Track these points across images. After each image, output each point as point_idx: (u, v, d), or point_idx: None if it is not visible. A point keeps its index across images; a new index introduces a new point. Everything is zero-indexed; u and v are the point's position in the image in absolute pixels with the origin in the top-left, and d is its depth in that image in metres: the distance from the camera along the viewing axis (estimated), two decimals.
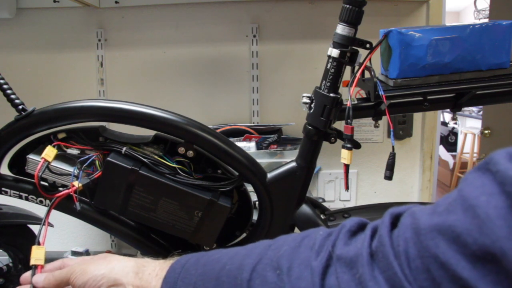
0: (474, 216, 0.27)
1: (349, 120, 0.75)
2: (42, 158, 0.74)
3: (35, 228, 0.92)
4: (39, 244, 0.66)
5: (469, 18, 4.64)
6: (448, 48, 0.74)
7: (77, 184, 0.75)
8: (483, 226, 0.26)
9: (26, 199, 0.82)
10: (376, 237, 0.34)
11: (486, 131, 1.53)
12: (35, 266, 0.61)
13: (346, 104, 0.76)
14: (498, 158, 0.27)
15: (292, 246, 0.38)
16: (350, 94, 0.75)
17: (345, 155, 0.75)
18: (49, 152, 0.75)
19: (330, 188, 1.57)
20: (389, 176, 0.79)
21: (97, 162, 0.78)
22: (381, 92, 0.74)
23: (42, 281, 0.54)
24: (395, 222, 0.34)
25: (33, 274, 0.59)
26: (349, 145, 0.75)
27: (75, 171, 0.77)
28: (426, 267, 0.29)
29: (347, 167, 0.76)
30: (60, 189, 0.81)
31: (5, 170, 0.83)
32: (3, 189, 0.81)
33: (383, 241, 0.32)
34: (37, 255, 0.63)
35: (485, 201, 0.27)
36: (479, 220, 0.26)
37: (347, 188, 0.78)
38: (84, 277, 0.49)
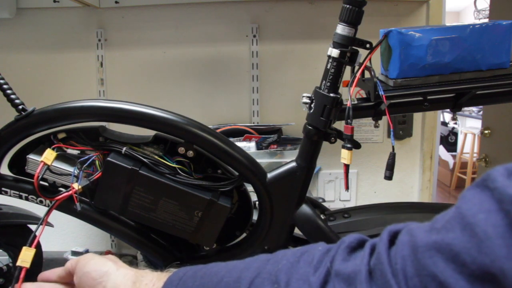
0: (473, 235, 0.26)
1: (349, 120, 0.75)
2: (41, 161, 0.74)
3: (35, 228, 0.92)
4: (31, 245, 0.66)
5: (469, 18, 4.64)
6: (448, 48, 0.74)
7: (76, 186, 0.75)
8: (482, 245, 0.26)
9: (26, 199, 0.82)
10: (374, 254, 0.34)
11: (486, 131, 1.53)
12: (20, 268, 0.61)
13: (346, 104, 0.76)
14: (496, 175, 0.27)
15: (291, 261, 0.38)
16: (350, 94, 0.75)
17: (345, 155, 0.75)
18: (48, 155, 0.75)
19: (330, 188, 1.57)
20: (389, 176, 0.79)
21: (97, 162, 0.78)
22: (381, 92, 0.74)
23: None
24: (393, 239, 0.34)
25: (17, 275, 0.60)
26: (349, 145, 0.75)
27: (75, 171, 0.77)
28: (424, 286, 0.28)
29: (347, 167, 0.76)
30: (60, 189, 0.81)
31: (5, 170, 0.83)
32: (3, 189, 0.81)
33: (381, 259, 0.32)
34: (25, 256, 0.63)
35: (484, 219, 0.26)
36: (478, 238, 0.26)
37: (347, 188, 0.78)
38: (88, 267, 0.50)
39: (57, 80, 1.53)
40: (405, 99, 0.81)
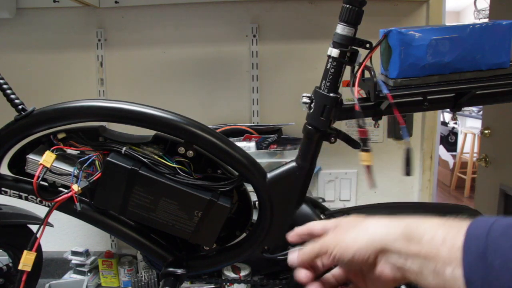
0: None
1: (361, 124, 0.75)
2: (41, 164, 0.74)
3: (35, 228, 0.93)
4: (31, 249, 0.66)
5: (469, 18, 4.63)
6: (448, 48, 0.74)
7: (76, 187, 0.75)
8: None
9: (26, 199, 0.82)
10: None
11: (486, 131, 1.53)
12: (22, 272, 0.61)
13: (353, 107, 0.76)
14: None
15: None
16: (355, 96, 0.75)
17: (365, 157, 0.76)
18: (48, 157, 0.75)
19: (330, 188, 1.57)
20: (407, 173, 0.79)
21: (97, 162, 0.78)
22: (386, 91, 0.74)
23: (296, 262, 0.49)
24: None
25: (19, 278, 0.58)
26: (366, 148, 0.76)
27: (75, 171, 0.77)
28: None
29: (369, 168, 0.77)
30: (60, 189, 0.81)
31: (5, 170, 0.83)
32: (3, 189, 0.81)
33: None
34: (26, 260, 0.63)
35: None
36: None
37: (371, 186, 0.78)
38: (347, 252, 0.43)
39: (57, 80, 1.53)
40: (405, 99, 0.81)
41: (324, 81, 0.78)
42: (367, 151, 0.76)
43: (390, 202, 0.93)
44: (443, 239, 0.37)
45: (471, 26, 0.74)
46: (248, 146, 1.31)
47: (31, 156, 0.78)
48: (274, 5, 1.47)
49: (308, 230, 0.51)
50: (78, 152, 0.79)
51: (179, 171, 0.79)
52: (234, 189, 0.84)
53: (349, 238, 0.44)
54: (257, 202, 0.87)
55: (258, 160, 0.84)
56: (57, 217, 0.82)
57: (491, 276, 0.33)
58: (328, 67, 0.77)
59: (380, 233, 0.42)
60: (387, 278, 0.42)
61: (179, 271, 0.85)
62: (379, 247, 0.41)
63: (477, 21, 3.14)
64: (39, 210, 0.87)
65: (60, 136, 0.80)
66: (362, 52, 0.76)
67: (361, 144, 0.76)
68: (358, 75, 0.77)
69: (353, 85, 0.75)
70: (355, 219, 0.46)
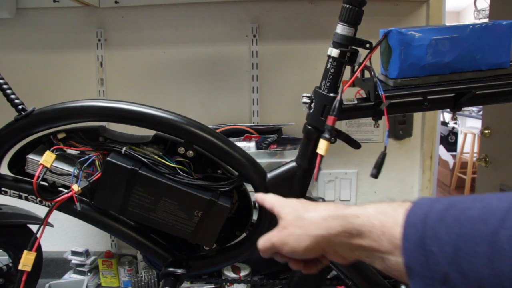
0: None
1: (334, 112, 0.74)
2: (41, 164, 0.74)
3: (35, 228, 0.93)
4: (31, 249, 0.66)
5: (469, 18, 4.63)
6: (448, 48, 0.74)
7: (76, 188, 0.75)
8: None
9: (26, 199, 0.82)
10: None
11: (486, 131, 1.53)
12: (22, 272, 0.61)
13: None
14: None
15: None
16: (342, 90, 0.75)
17: (322, 146, 0.74)
18: (48, 158, 0.75)
19: (330, 188, 1.57)
20: (375, 174, 0.78)
21: (97, 162, 0.78)
22: (381, 92, 0.74)
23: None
24: None
25: (19, 278, 0.59)
26: (327, 136, 0.74)
27: (75, 171, 0.77)
28: None
29: (321, 157, 0.75)
30: (60, 189, 0.81)
31: (5, 170, 0.83)
32: (3, 189, 0.81)
33: None
34: (26, 260, 0.63)
35: None
36: None
37: (316, 179, 0.76)
38: (296, 252, 0.46)
39: (57, 80, 1.53)
40: (405, 99, 0.81)
41: (324, 81, 0.78)
42: (327, 139, 0.73)
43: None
44: (381, 231, 0.39)
45: (471, 26, 0.74)
46: (248, 146, 1.31)
47: (31, 156, 0.78)
48: (274, 5, 1.47)
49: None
50: (78, 152, 0.79)
51: (179, 171, 0.79)
52: (234, 189, 0.84)
53: (292, 240, 0.46)
54: (257, 202, 0.87)
55: (258, 160, 0.85)
56: (57, 217, 0.82)
57: (430, 262, 0.34)
58: (328, 67, 0.77)
59: (322, 231, 0.43)
60: (340, 261, 0.45)
61: (179, 271, 0.85)
62: (324, 245, 0.43)
63: (477, 21, 3.14)
64: (39, 210, 0.87)
65: (60, 136, 0.80)
66: (362, 52, 0.76)
67: (324, 131, 0.74)
68: (356, 73, 0.77)
69: (347, 83, 0.75)
70: (295, 213, 0.48)
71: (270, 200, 0.56)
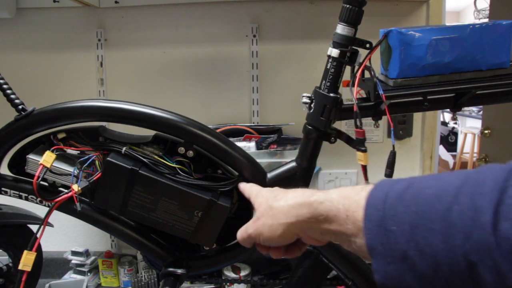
0: None
1: (358, 124, 0.76)
2: (41, 164, 0.74)
3: (35, 228, 0.93)
4: (31, 249, 0.66)
5: (469, 18, 4.64)
6: (448, 48, 0.74)
7: (76, 188, 0.75)
8: None
9: (26, 199, 0.82)
10: None
11: (486, 131, 1.53)
12: (22, 272, 0.61)
13: (353, 108, 0.76)
14: None
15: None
16: (354, 97, 0.75)
17: (361, 157, 0.78)
18: (48, 158, 0.75)
19: (330, 188, 1.57)
20: (389, 174, 0.80)
21: (97, 162, 0.78)
22: (381, 92, 0.74)
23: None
24: None
25: (19, 278, 0.59)
26: (363, 148, 0.77)
27: (75, 171, 0.77)
28: None
29: (365, 167, 0.79)
30: (60, 189, 0.81)
31: (5, 170, 0.83)
32: (3, 189, 0.81)
33: None
34: (26, 260, 0.62)
35: None
36: None
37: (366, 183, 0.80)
38: (271, 241, 0.48)
39: (57, 80, 1.53)
40: (405, 99, 0.81)
41: (324, 81, 0.78)
42: (363, 151, 0.77)
43: None
44: (346, 215, 0.41)
45: (471, 26, 0.74)
46: (248, 146, 1.31)
47: (31, 156, 0.78)
48: (274, 5, 1.47)
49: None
50: (78, 152, 0.79)
51: (179, 171, 0.79)
52: (234, 189, 0.84)
53: (266, 230, 0.49)
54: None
55: (258, 160, 0.84)
56: (57, 217, 0.82)
57: (390, 241, 0.35)
58: (328, 67, 0.77)
59: (291, 219, 0.46)
60: (315, 243, 0.47)
61: (179, 271, 0.85)
62: (296, 231, 0.46)
63: (477, 21, 3.14)
64: (39, 210, 0.87)
65: (60, 136, 0.80)
66: (362, 52, 0.76)
67: (358, 144, 0.78)
68: (358, 75, 0.77)
69: (353, 85, 0.76)
70: (266, 203, 0.51)
71: (248, 189, 0.59)
